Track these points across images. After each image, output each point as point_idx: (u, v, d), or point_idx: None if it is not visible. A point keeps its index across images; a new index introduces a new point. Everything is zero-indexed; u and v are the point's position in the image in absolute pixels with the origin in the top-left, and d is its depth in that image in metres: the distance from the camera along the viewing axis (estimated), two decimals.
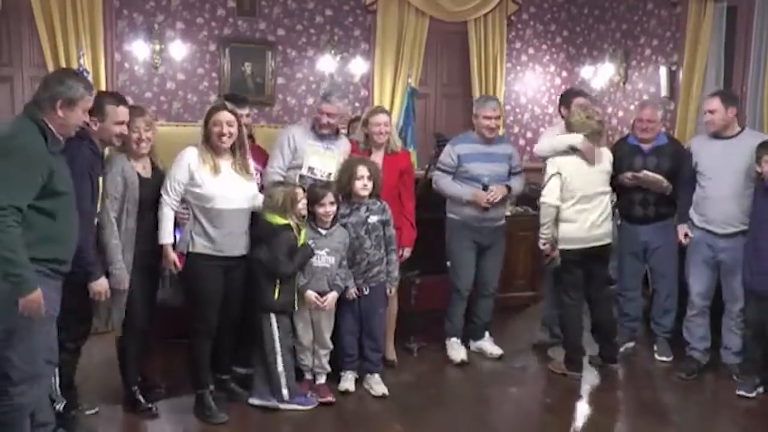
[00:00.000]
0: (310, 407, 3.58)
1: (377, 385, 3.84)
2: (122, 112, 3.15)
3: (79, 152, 2.96)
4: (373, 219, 3.81)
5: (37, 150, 2.56)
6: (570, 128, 4.11)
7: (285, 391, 3.56)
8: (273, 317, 3.55)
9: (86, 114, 2.77)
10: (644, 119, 4.32)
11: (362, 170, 3.75)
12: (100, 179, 3.10)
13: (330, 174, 3.90)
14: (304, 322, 3.69)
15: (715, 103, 4.04)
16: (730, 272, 4.07)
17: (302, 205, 3.58)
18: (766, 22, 5.18)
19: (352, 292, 3.76)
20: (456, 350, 4.37)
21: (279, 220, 3.50)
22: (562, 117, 4.47)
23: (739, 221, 3.99)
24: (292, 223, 3.53)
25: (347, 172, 3.77)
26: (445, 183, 4.30)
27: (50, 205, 2.63)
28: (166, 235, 3.40)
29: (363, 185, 3.74)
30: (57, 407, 3.10)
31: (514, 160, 4.38)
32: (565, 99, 4.60)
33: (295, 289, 3.60)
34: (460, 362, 4.29)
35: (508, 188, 4.30)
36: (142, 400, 3.45)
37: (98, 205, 3.12)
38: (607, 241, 4.15)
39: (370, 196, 3.80)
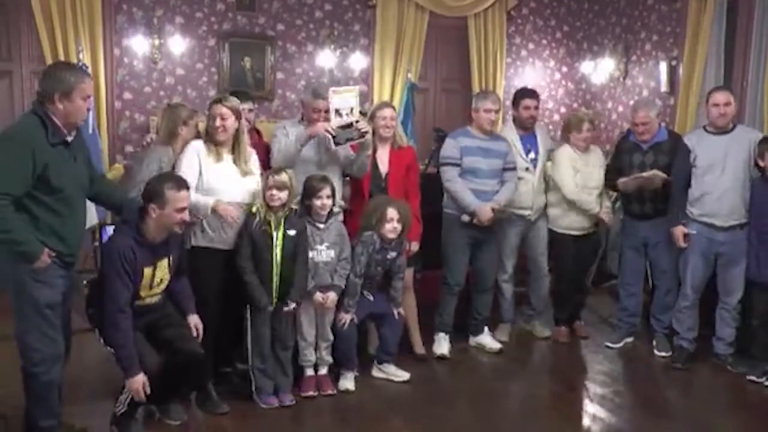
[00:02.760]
0: (266, 406, 3.52)
1: (399, 371, 3.95)
2: (184, 198, 3.03)
3: (117, 244, 2.95)
4: (393, 254, 3.85)
5: (28, 140, 2.66)
6: (567, 127, 4.64)
7: (252, 387, 3.55)
8: (248, 311, 3.52)
9: (88, 101, 2.84)
10: (639, 122, 4.35)
11: (392, 213, 3.71)
12: (149, 269, 3.02)
13: (352, 109, 3.76)
14: (308, 318, 3.70)
15: (730, 96, 4.10)
16: (728, 264, 4.12)
17: (270, 194, 3.43)
18: (767, 16, 5.17)
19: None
20: (440, 344, 4.38)
21: (249, 209, 3.48)
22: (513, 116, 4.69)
23: (739, 214, 4.05)
24: (259, 210, 3.45)
25: (376, 214, 3.71)
26: (457, 186, 4.20)
27: (51, 201, 2.74)
28: (207, 200, 3.33)
29: (393, 228, 3.72)
30: (117, 411, 3.11)
31: (508, 156, 4.37)
32: (515, 99, 4.68)
33: (271, 286, 3.49)
34: (439, 356, 4.31)
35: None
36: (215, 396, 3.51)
37: (147, 293, 3.07)
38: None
39: (398, 237, 3.79)
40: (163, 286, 3.17)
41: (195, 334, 3.22)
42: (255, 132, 4.17)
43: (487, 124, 4.30)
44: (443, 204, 4.40)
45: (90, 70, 5.87)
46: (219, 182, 3.41)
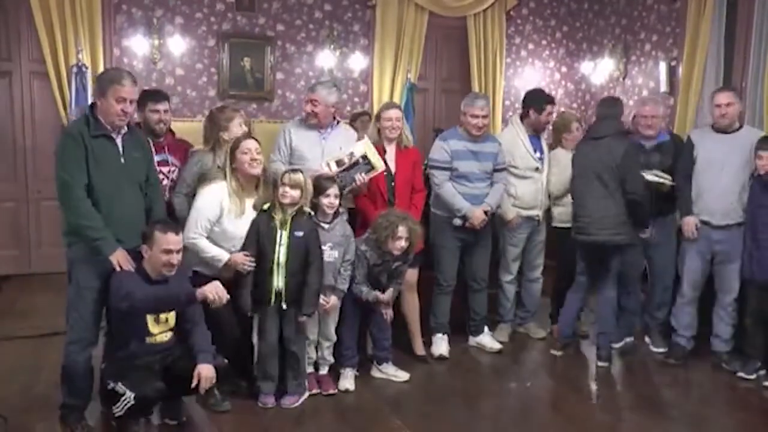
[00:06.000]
0: (269, 405, 3.54)
1: (399, 372, 3.97)
2: (170, 240, 3.05)
3: (120, 276, 2.99)
4: (396, 263, 3.85)
5: (76, 131, 3.01)
6: (557, 129, 4.74)
7: (253, 387, 3.61)
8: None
9: (125, 103, 3.03)
10: (647, 115, 4.34)
11: (402, 231, 3.70)
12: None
13: (351, 153, 3.91)
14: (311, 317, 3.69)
15: (732, 97, 4.10)
16: (724, 263, 4.14)
17: (283, 191, 3.47)
18: (767, 16, 5.17)
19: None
20: (437, 345, 4.39)
21: (261, 207, 3.52)
22: (526, 117, 4.57)
23: (737, 214, 4.07)
24: (269, 208, 3.50)
25: (387, 230, 3.70)
26: (447, 191, 4.21)
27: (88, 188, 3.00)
28: (221, 254, 3.42)
29: (400, 246, 3.73)
30: (115, 412, 3.12)
31: (498, 157, 4.34)
32: (538, 103, 4.56)
33: (271, 285, 3.49)
34: (439, 356, 4.32)
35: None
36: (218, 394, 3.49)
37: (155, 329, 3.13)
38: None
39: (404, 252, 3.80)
40: (170, 323, 3.18)
41: (195, 381, 3.06)
42: (170, 132, 4.04)
43: (473, 129, 4.24)
44: (431, 204, 4.39)
45: (89, 71, 5.86)
46: (238, 229, 3.47)
